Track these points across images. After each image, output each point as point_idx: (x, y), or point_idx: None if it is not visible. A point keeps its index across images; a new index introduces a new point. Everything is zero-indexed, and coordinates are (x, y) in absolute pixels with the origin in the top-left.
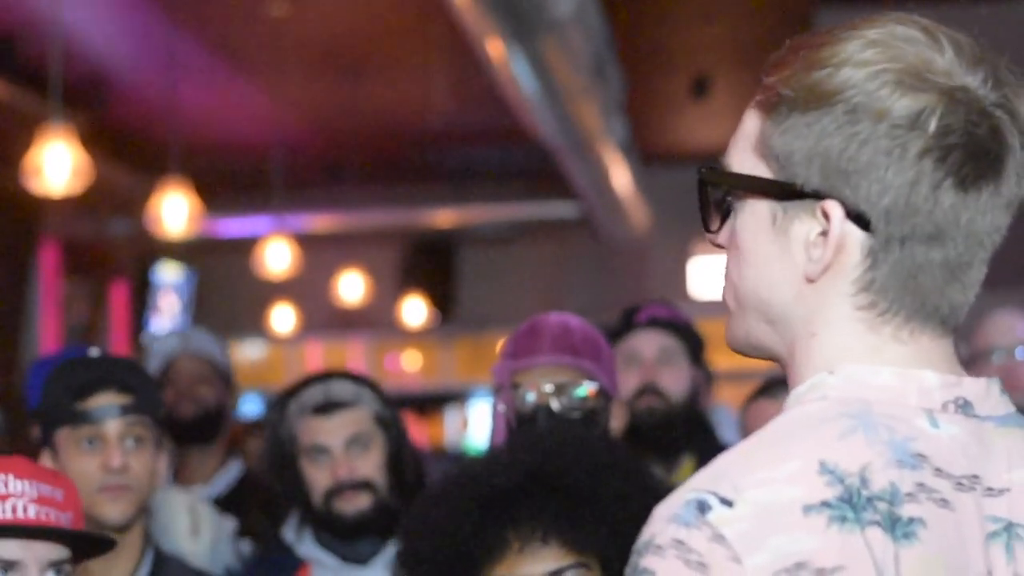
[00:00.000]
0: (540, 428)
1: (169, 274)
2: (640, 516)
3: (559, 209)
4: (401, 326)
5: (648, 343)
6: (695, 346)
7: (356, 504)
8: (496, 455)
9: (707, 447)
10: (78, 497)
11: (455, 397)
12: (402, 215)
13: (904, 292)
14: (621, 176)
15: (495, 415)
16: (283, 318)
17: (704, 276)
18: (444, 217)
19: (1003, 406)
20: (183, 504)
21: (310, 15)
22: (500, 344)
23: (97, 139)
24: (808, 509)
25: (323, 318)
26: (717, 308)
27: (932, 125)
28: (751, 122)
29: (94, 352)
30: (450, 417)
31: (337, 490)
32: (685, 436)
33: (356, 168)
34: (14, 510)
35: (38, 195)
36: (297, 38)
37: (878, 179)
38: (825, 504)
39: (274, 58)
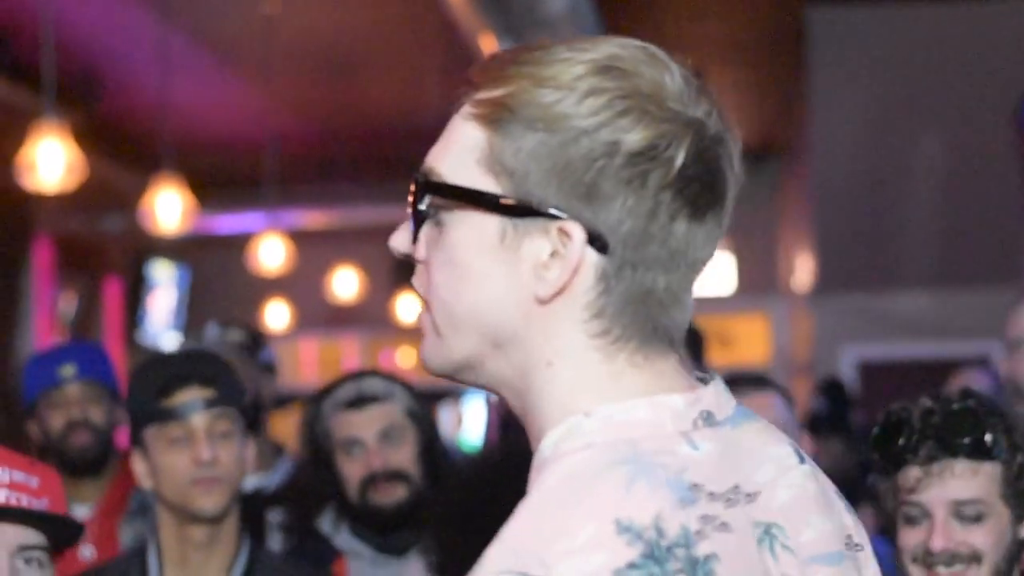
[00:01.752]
0: None
1: (163, 271)
2: None
3: None
4: (395, 323)
5: None
6: (696, 344)
7: (392, 495)
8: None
9: None
10: (59, 486)
11: (449, 394)
12: (395, 212)
13: (635, 317)
14: None
15: (488, 407)
16: (277, 315)
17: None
18: None
19: (729, 405)
20: None
21: (302, 12)
22: None
23: (90, 135)
24: (617, 573)
25: (317, 315)
26: (710, 305)
27: (672, 156)
28: (471, 134)
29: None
30: (445, 414)
31: (371, 481)
32: None
33: (349, 165)
34: None
35: (31, 192)
36: (289, 35)
37: (618, 206)
38: (632, 566)
39: (266, 55)
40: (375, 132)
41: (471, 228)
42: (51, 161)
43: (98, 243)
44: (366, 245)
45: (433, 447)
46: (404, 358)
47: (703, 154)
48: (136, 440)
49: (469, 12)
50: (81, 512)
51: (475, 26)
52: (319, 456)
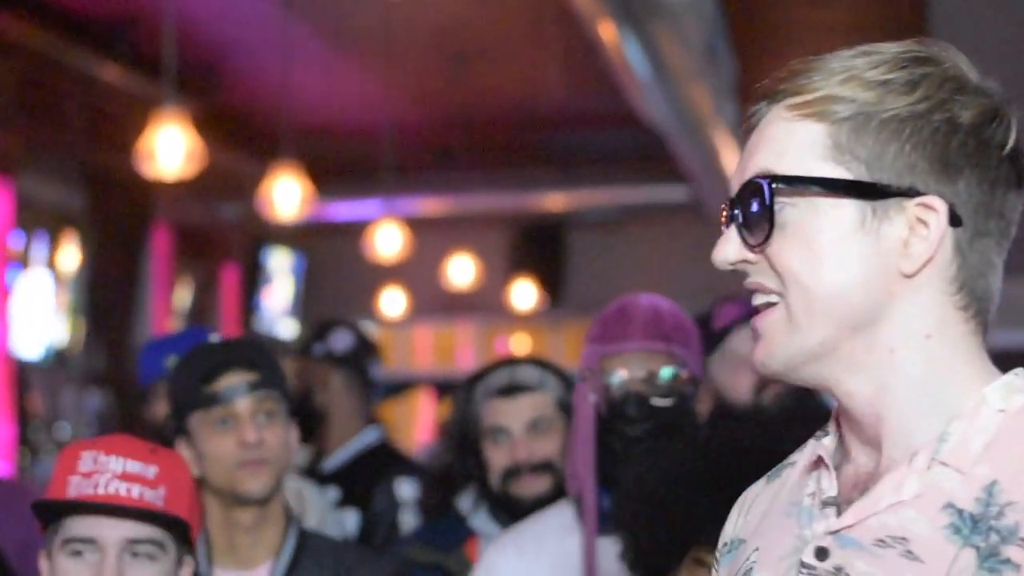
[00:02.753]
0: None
1: (279, 258)
2: None
3: (669, 193)
4: (510, 310)
5: (743, 340)
6: None
7: (535, 488)
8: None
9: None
10: (181, 473)
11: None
12: (512, 199)
13: (981, 292)
14: (732, 159)
15: (578, 401)
16: (393, 302)
17: None
18: (554, 201)
19: None
20: (291, 487)
21: (421, 0)
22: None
23: (210, 123)
24: None
25: (433, 302)
26: None
27: (1005, 129)
28: (807, 132)
29: (214, 336)
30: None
31: (515, 471)
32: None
33: (466, 152)
34: (95, 487)
35: (151, 179)
36: (409, 22)
37: (965, 180)
38: None
39: (386, 42)
40: (492, 120)
41: (827, 217)
42: (171, 149)
43: (216, 231)
44: (482, 232)
45: None
46: (518, 345)
47: (1019, 129)
48: (180, 428)
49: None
50: None
51: (594, 13)
52: (466, 440)
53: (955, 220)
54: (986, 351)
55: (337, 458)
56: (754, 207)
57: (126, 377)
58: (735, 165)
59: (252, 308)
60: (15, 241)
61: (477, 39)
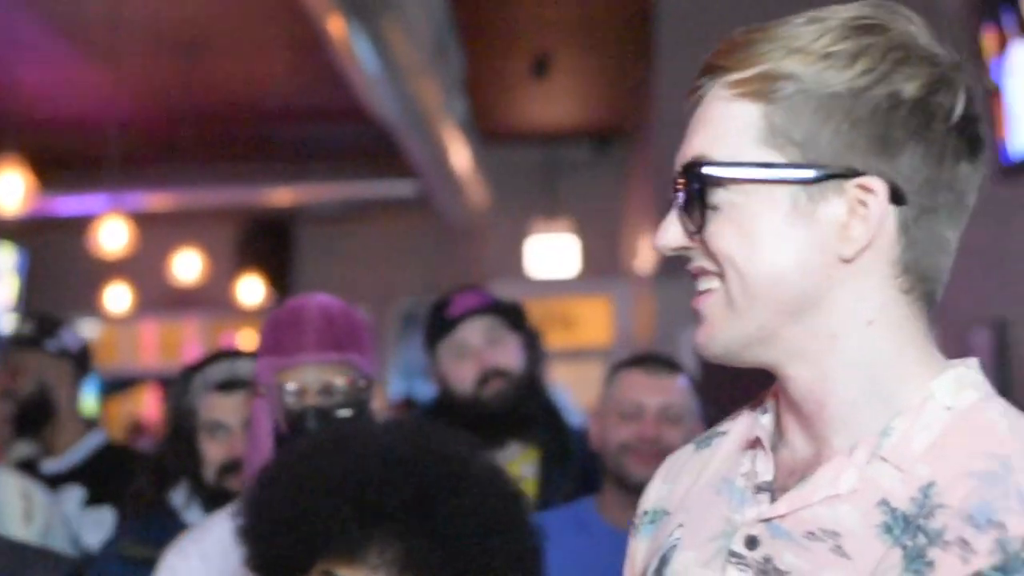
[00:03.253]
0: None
1: (2, 253)
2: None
3: (398, 188)
4: (238, 305)
5: (473, 331)
6: (519, 321)
7: None
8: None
9: (555, 428)
10: None
11: None
12: (239, 193)
13: (927, 273)
14: (460, 155)
15: (257, 416)
16: (118, 297)
17: (542, 255)
18: (282, 196)
19: None
20: (17, 489)
21: None
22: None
23: None
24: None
25: (159, 297)
26: (553, 287)
27: (952, 99)
28: (742, 113)
29: None
30: None
31: (231, 467)
32: (536, 413)
33: (193, 146)
34: None
35: None
36: (136, 14)
37: (908, 155)
38: None
39: (111, 35)
40: (220, 114)
41: (761, 201)
42: None
43: None
44: (209, 227)
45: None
46: (245, 341)
47: (971, 94)
48: None
49: None
50: None
51: (322, 7)
52: (181, 432)
53: (898, 199)
54: (931, 334)
55: (72, 457)
56: (690, 193)
57: None
58: (463, 161)
59: None
60: None
61: (204, 33)
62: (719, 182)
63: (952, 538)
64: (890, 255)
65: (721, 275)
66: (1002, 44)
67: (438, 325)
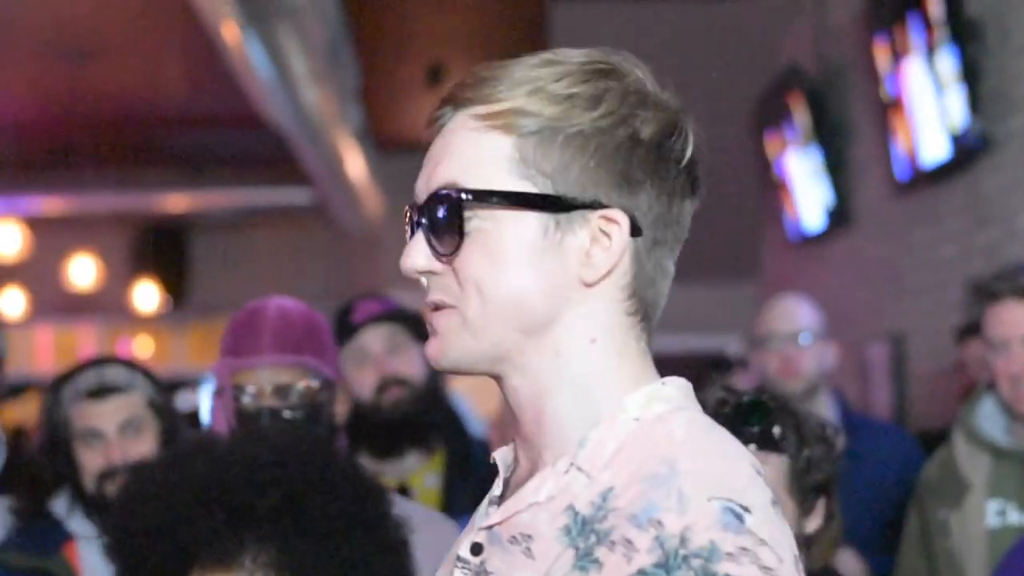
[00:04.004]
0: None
1: None
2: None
3: (293, 195)
4: (133, 311)
5: (374, 338)
6: (421, 330)
7: None
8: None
9: (458, 438)
10: None
11: (187, 383)
12: (134, 199)
13: (650, 299)
14: (355, 163)
15: (214, 411)
16: (12, 302)
17: None
18: (177, 202)
19: None
20: None
21: None
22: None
23: None
24: (773, 505)
25: (54, 302)
26: None
27: (683, 142)
28: (495, 144)
29: None
30: (182, 403)
31: (110, 474)
32: (438, 422)
33: (87, 151)
34: None
35: None
36: (23, 16)
37: (646, 192)
38: (774, 502)
39: (1, 38)
40: (113, 118)
41: (513, 227)
42: None
43: None
44: (104, 232)
45: (174, 438)
46: (142, 347)
47: (697, 138)
48: None
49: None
50: None
51: (217, 13)
52: (55, 443)
53: (636, 231)
54: (650, 355)
55: None
56: (442, 218)
57: None
58: (359, 169)
59: None
60: None
61: (96, 36)
62: (475, 208)
63: (618, 537)
64: (621, 281)
65: (458, 299)
66: (896, 56)
67: (340, 331)
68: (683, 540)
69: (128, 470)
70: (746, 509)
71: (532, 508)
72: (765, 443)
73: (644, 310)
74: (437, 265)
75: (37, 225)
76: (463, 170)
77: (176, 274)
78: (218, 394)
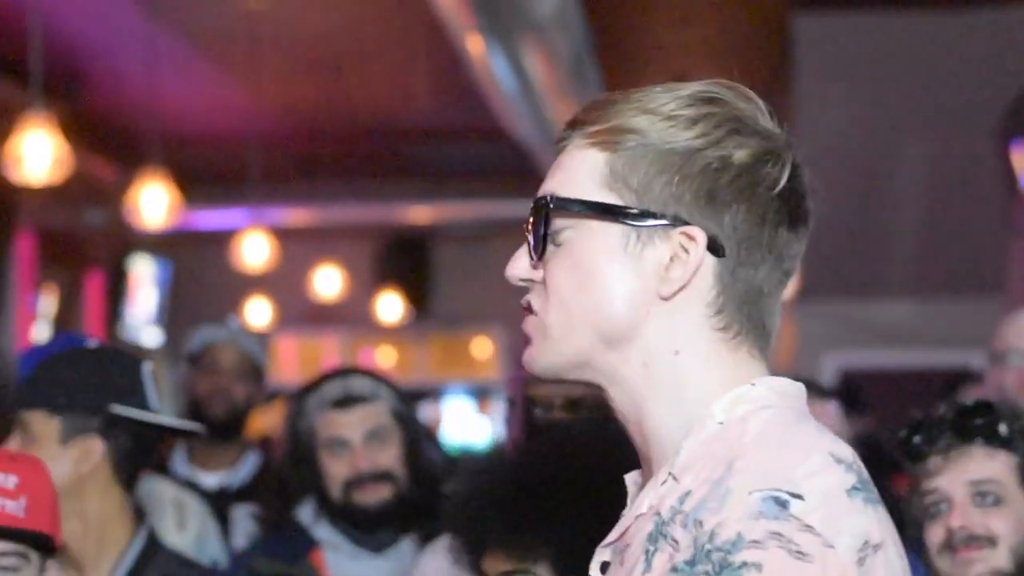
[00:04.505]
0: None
1: (144, 266)
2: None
3: None
4: (376, 322)
5: None
6: None
7: (377, 495)
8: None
9: None
10: (42, 481)
11: (428, 394)
12: (378, 211)
13: (749, 316)
14: None
15: (509, 423)
16: (258, 312)
17: None
18: (420, 213)
19: None
20: (170, 498)
21: (288, 8)
22: (474, 342)
23: (75, 129)
24: (849, 493)
25: (298, 312)
26: None
27: (778, 170)
28: (591, 159)
29: (91, 342)
30: (423, 414)
31: (357, 482)
32: None
33: (333, 163)
34: None
35: (16, 184)
36: (275, 32)
37: (732, 214)
38: (855, 488)
39: (251, 51)
40: (360, 130)
41: (596, 238)
42: (37, 154)
43: (81, 237)
44: (349, 243)
45: (417, 447)
46: (384, 357)
47: (796, 171)
48: None
49: (456, 12)
50: None
51: (462, 26)
52: (301, 452)
53: (717, 251)
54: (762, 362)
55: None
56: (535, 226)
57: None
58: None
59: (117, 316)
60: None
61: (344, 49)
62: (561, 215)
63: (669, 539)
64: (706, 298)
65: (544, 306)
66: None
67: None
68: (712, 536)
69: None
70: (797, 496)
71: (638, 520)
72: (991, 439)
73: (739, 326)
74: (535, 273)
75: (284, 236)
76: (560, 183)
77: (419, 285)
78: (511, 406)
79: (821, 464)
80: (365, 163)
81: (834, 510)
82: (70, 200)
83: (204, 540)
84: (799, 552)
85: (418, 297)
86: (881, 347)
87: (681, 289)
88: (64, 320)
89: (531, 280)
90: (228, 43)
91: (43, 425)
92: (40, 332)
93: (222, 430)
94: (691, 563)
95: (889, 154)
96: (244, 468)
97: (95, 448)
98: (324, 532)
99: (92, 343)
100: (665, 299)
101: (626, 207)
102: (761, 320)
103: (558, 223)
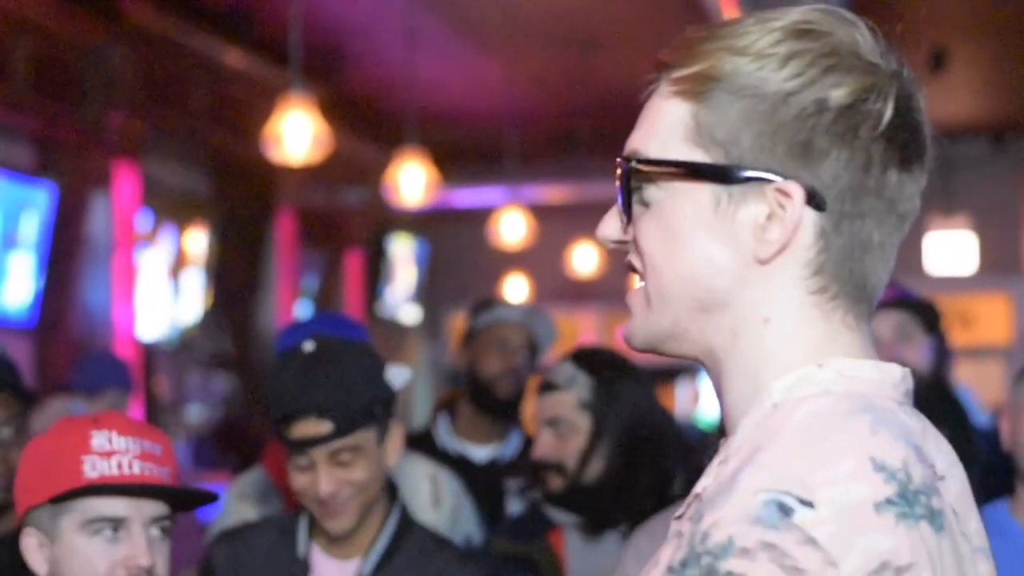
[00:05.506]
0: None
1: (403, 244)
2: None
3: None
4: None
5: (883, 323)
6: (931, 319)
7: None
8: None
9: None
10: (173, 450)
11: (687, 369)
12: None
13: (849, 275)
14: None
15: None
16: (516, 289)
17: (940, 252)
18: None
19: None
20: (425, 474)
21: None
22: None
23: (334, 109)
24: (878, 507)
25: (556, 288)
26: (954, 284)
27: (880, 107)
28: (674, 111)
29: (307, 348)
30: (681, 389)
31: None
32: (939, 412)
33: (590, 139)
34: (119, 467)
35: (277, 164)
36: (532, 9)
37: (832, 162)
38: (890, 501)
39: (509, 30)
40: (616, 107)
41: (684, 200)
42: (297, 134)
43: (340, 216)
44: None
45: (628, 432)
46: None
47: (906, 104)
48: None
49: None
50: None
51: (720, 1)
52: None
53: (817, 204)
54: (858, 332)
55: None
56: (621, 188)
57: (251, 360)
58: None
59: (376, 294)
60: (143, 223)
61: (601, 26)
62: (647, 177)
63: (678, 531)
64: (804, 257)
65: (643, 272)
66: None
67: None
68: (704, 536)
69: None
70: (806, 503)
71: (696, 500)
72: None
73: (838, 287)
74: (625, 235)
75: (540, 213)
76: (644, 138)
77: None
78: None
79: (852, 470)
80: (621, 139)
81: (850, 524)
82: (329, 180)
83: (458, 515)
84: (794, 568)
85: None
86: None
87: (780, 251)
88: (325, 298)
89: (622, 242)
90: (484, 21)
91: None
92: (302, 310)
93: (509, 408)
94: (684, 564)
95: None
96: (512, 442)
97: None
98: (561, 513)
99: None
100: (763, 262)
101: (714, 165)
102: (864, 278)
103: (644, 183)
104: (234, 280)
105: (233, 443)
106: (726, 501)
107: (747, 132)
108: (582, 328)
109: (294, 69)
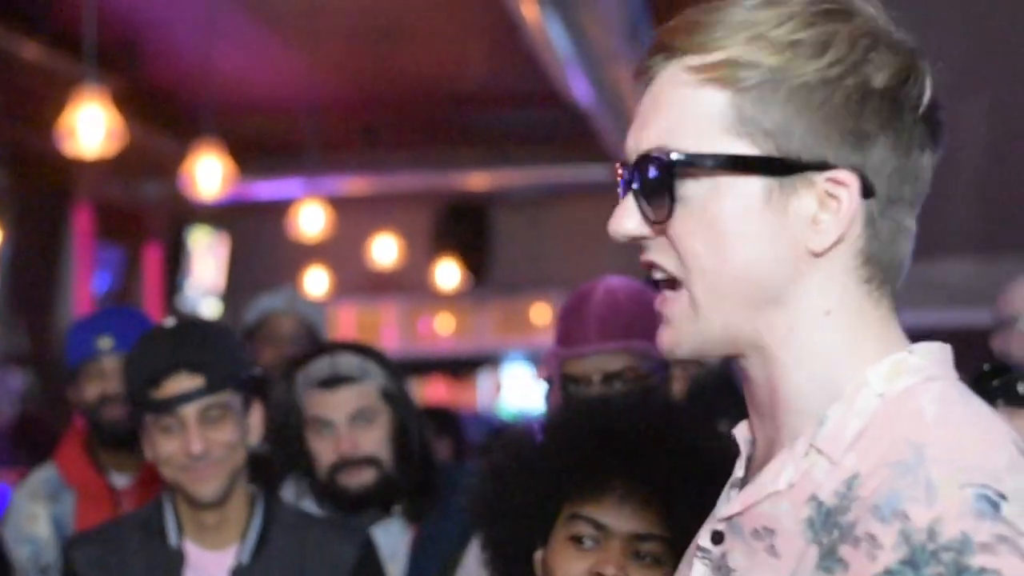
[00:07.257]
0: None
1: (202, 237)
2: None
3: (592, 172)
4: (434, 289)
5: None
6: None
7: (360, 479)
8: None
9: None
10: None
11: (488, 360)
12: (436, 178)
13: (889, 262)
14: None
15: (549, 399)
16: (316, 281)
17: None
18: (478, 180)
19: None
20: None
21: None
22: (533, 308)
23: (131, 101)
24: None
25: (356, 281)
26: None
27: (920, 86)
28: (710, 101)
29: (168, 323)
30: (483, 380)
31: (341, 465)
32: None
33: (390, 131)
34: None
35: (72, 157)
36: (332, 1)
37: (880, 146)
38: None
39: (308, 20)
40: (416, 98)
41: (732, 194)
42: (92, 127)
43: (138, 209)
44: (406, 211)
45: (406, 426)
46: (442, 325)
47: (931, 83)
48: (139, 422)
49: None
50: (120, 482)
51: None
52: (287, 429)
53: (867, 191)
54: (895, 320)
55: None
56: (653, 182)
57: (48, 357)
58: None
59: (176, 287)
60: None
61: (401, 17)
62: (688, 172)
63: (862, 533)
64: (855, 247)
65: (683, 275)
66: None
67: None
68: (931, 534)
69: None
70: (1003, 496)
71: (772, 498)
72: (1011, 399)
73: (882, 274)
74: (648, 230)
75: (340, 205)
76: (674, 130)
77: (477, 252)
78: (550, 383)
79: (1012, 459)
80: (422, 130)
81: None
82: (127, 173)
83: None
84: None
85: (476, 264)
86: (945, 307)
87: (837, 242)
88: (123, 293)
89: (643, 238)
90: (284, 11)
91: None
92: (98, 305)
93: None
94: (911, 563)
95: (950, 109)
96: None
97: None
98: (310, 509)
99: (168, 321)
100: (817, 255)
101: (767, 157)
102: (900, 260)
103: (680, 178)
104: (30, 275)
105: (29, 440)
106: (933, 499)
107: (798, 122)
108: (383, 320)
109: (88, 61)
